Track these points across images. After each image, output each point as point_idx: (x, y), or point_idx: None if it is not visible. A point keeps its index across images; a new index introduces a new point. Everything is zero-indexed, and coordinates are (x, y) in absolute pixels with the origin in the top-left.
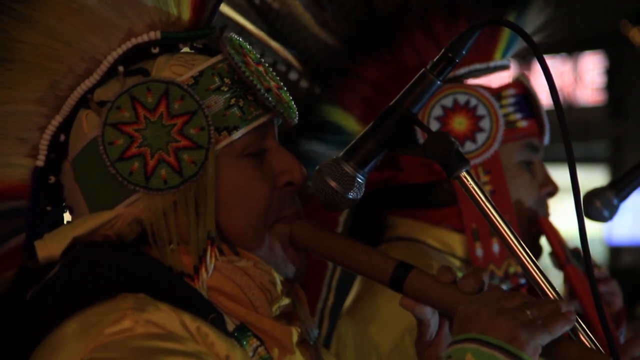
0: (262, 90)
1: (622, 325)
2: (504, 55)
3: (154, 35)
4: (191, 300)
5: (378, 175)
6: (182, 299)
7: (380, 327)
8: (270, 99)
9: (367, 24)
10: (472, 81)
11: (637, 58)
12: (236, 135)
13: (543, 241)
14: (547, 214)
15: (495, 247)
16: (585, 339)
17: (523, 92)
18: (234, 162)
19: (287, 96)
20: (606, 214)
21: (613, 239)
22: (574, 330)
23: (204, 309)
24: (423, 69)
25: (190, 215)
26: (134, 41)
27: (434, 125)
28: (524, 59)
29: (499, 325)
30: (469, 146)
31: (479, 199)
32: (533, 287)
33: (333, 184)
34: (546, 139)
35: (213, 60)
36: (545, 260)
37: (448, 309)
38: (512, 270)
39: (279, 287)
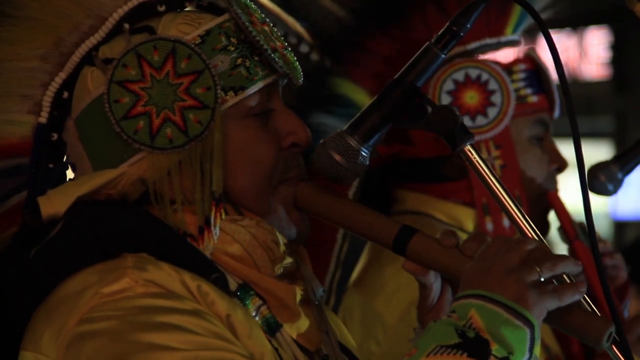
0: (268, 51)
1: (626, 298)
2: (514, 31)
3: None
4: (193, 259)
5: (387, 149)
6: (185, 258)
7: (386, 300)
8: (277, 59)
9: None
10: (483, 56)
11: None
12: (242, 95)
13: (551, 217)
14: (556, 189)
15: (506, 222)
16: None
17: (533, 67)
18: (240, 123)
19: (291, 56)
20: (610, 187)
21: (618, 213)
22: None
23: (206, 268)
24: (427, 42)
25: (195, 175)
26: None
27: (446, 100)
28: (529, 34)
29: (507, 284)
30: (480, 120)
31: (484, 173)
32: None
33: (337, 157)
34: (556, 114)
35: (220, 19)
36: (554, 236)
37: (451, 272)
38: None
39: (282, 246)
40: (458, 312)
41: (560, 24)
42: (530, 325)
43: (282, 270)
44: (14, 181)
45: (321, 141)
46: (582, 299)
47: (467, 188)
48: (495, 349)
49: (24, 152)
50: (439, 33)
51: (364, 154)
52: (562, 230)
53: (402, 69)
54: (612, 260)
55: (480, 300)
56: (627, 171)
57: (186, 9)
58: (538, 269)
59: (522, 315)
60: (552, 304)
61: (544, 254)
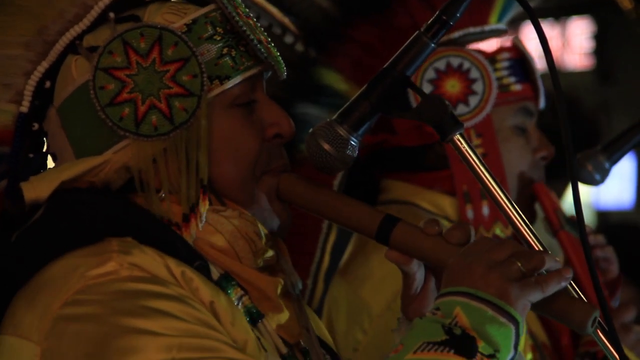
0: (254, 41)
1: (617, 292)
2: (499, 20)
3: None
4: (177, 247)
5: (372, 138)
6: (168, 245)
7: (372, 288)
8: (262, 50)
9: None
10: (469, 45)
11: (625, 23)
12: (228, 84)
13: (537, 206)
14: (541, 179)
15: (485, 210)
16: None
17: (518, 56)
18: (224, 112)
19: (275, 51)
20: (598, 177)
21: (600, 203)
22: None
23: (189, 256)
24: (417, 32)
25: (180, 163)
26: None
27: (427, 88)
28: (512, 23)
29: (489, 280)
30: (461, 109)
31: (473, 162)
32: None
33: (326, 146)
34: (542, 104)
35: (205, 9)
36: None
37: (435, 260)
38: (499, 233)
39: (264, 238)
40: (443, 309)
41: (543, 14)
42: (515, 322)
43: (262, 262)
44: None
45: (311, 130)
46: (568, 286)
47: (449, 177)
48: (481, 346)
49: (4, 141)
50: (429, 22)
51: (353, 143)
52: (547, 220)
53: (392, 58)
54: (603, 253)
55: (464, 298)
56: (614, 161)
57: (172, 0)
58: (519, 264)
59: (507, 312)
60: (536, 295)
61: (526, 252)
